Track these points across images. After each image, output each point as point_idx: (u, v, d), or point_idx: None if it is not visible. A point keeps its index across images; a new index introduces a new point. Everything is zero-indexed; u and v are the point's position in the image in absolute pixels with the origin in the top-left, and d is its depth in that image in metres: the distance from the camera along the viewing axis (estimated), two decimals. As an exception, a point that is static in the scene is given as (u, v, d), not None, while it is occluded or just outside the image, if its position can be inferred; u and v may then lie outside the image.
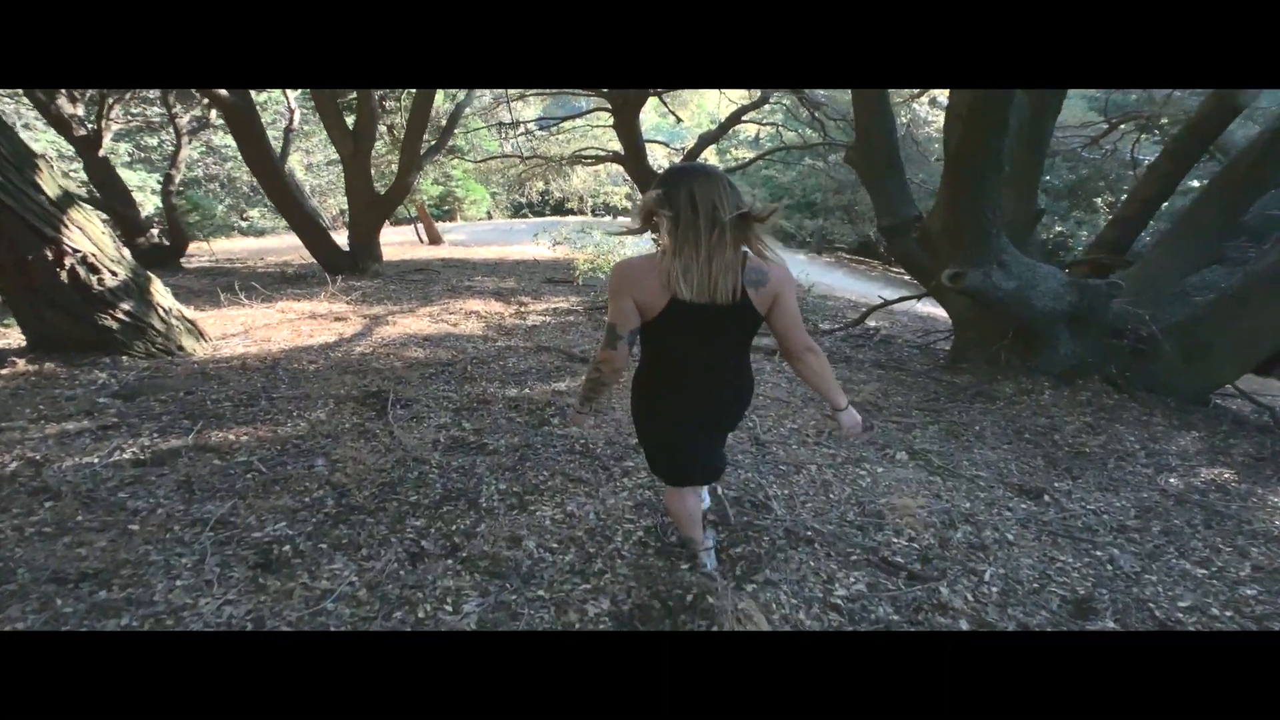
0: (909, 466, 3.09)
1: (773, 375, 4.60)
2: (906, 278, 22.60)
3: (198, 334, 4.25)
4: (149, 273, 3.97)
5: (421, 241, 14.96)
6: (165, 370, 3.57)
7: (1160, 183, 5.28)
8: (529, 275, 8.96)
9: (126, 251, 3.84)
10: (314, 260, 7.88)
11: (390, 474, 2.51)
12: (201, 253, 10.80)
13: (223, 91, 6.18)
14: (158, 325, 3.80)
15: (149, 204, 14.35)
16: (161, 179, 8.58)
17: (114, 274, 3.57)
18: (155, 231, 8.32)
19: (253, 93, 11.29)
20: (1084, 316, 4.35)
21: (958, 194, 3.55)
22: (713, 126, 13.55)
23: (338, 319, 5.28)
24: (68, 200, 3.55)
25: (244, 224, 18.08)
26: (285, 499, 2.25)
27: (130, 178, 15.87)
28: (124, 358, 3.61)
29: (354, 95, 7.50)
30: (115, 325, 3.57)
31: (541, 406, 3.38)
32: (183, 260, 8.83)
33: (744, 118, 12.50)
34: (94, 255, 3.51)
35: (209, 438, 2.72)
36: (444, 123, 8.90)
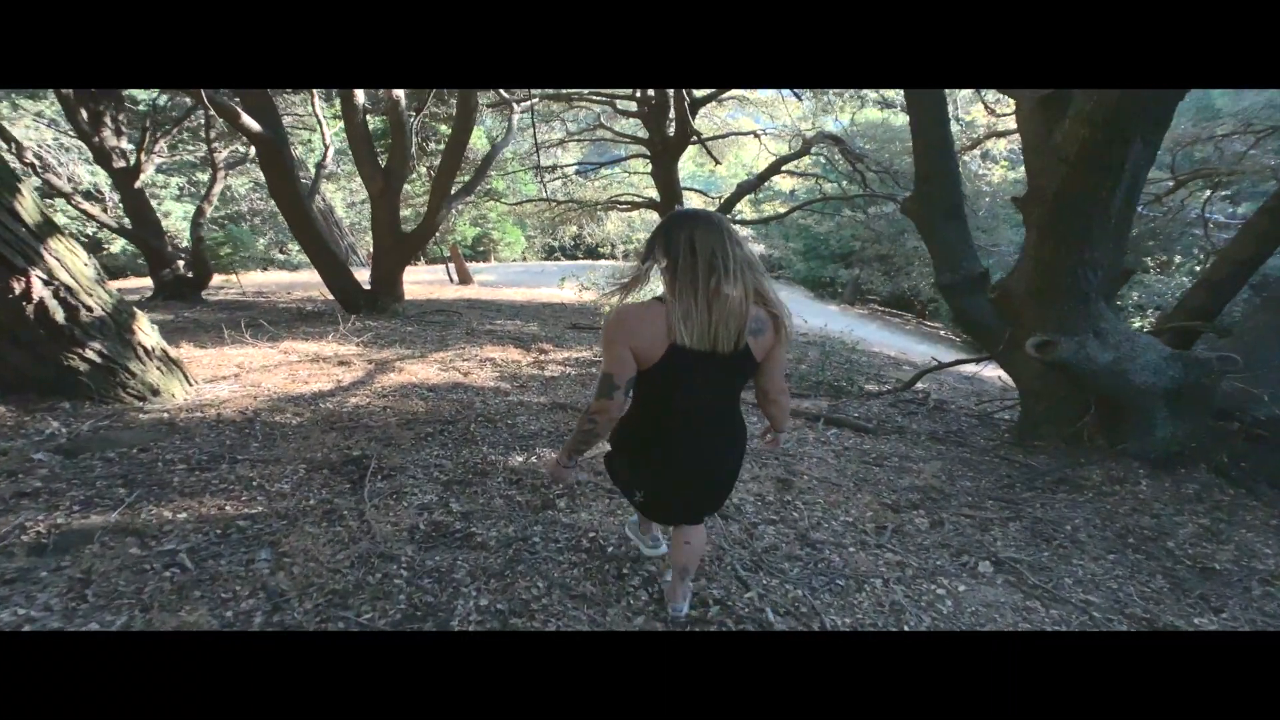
0: (997, 583, 2.46)
1: (817, 447, 4.01)
2: (944, 332, 21.85)
3: (182, 377, 3.87)
4: (135, 308, 3.63)
5: (452, 281, 14.84)
6: (129, 420, 3.16)
7: (1258, 243, 4.64)
8: (554, 320, 8.57)
9: (112, 285, 3.50)
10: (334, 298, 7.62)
11: (346, 576, 1.99)
12: (230, 285, 10.75)
13: (254, 125, 6.02)
14: (134, 367, 3.42)
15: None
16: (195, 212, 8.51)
17: (89, 309, 3.21)
18: (180, 264, 8.19)
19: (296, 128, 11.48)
20: (1186, 394, 3.70)
21: (1053, 250, 2.99)
22: (748, 176, 13.28)
23: (341, 363, 4.89)
24: (49, 229, 3.22)
25: (281, 258, 18.36)
26: (202, 611, 1.74)
27: (178, 209, 16.35)
28: (87, 403, 3.22)
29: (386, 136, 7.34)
30: (83, 366, 3.19)
31: (548, 483, 2.85)
32: (206, 293, 8.69)
33: (783, 168, 12.21)
34: (68, 288, 3.16)
35: (139, 514, 2.25)
36: (479, 163, 8.70)
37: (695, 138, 11.23)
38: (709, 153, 10.94)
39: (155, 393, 3.51)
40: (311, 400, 3.85)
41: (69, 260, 3.25)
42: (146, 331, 3.60)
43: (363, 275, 7.96)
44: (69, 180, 10.18)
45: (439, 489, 2.74)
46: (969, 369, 8.66)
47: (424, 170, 12.72)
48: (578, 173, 14.07)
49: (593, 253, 19.96)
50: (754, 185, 12.15)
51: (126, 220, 8.16)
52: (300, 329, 6.45)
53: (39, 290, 3.05)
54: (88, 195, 10.42)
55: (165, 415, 3.29)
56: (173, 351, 3.89)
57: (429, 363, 5.19)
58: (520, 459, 3.17)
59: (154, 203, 15.88)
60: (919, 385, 6.49)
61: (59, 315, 3.10)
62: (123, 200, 7.75)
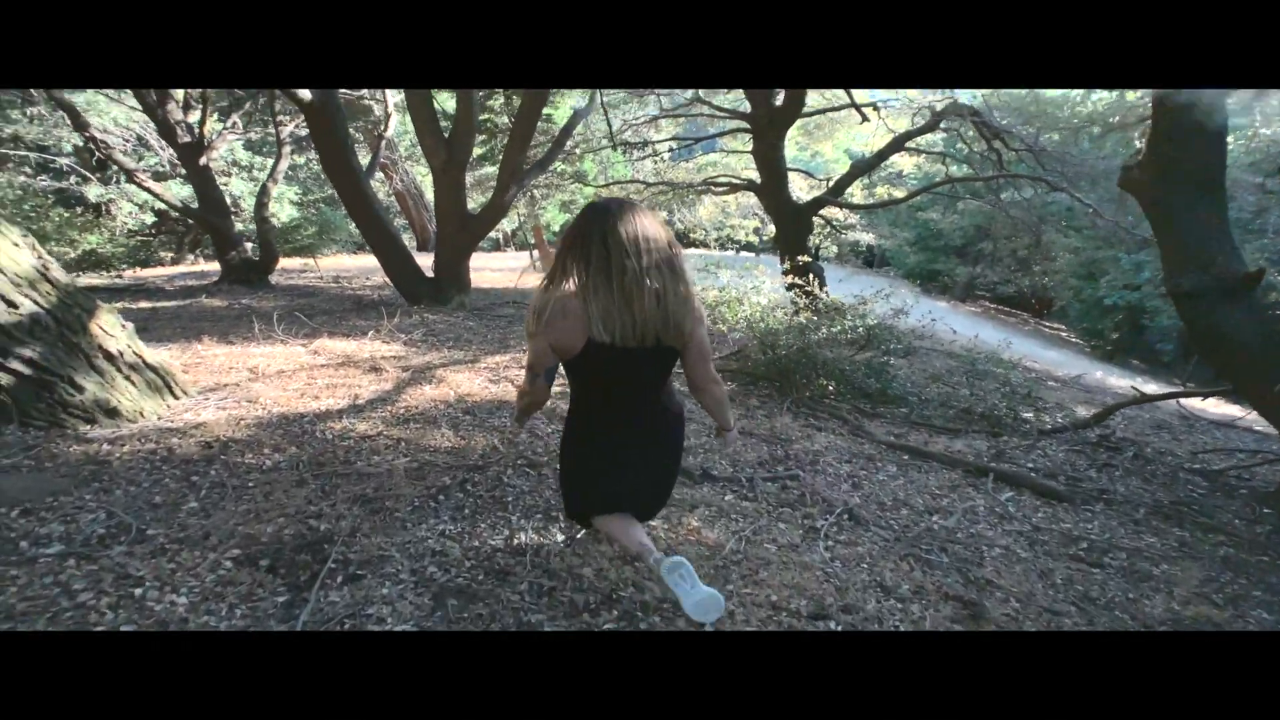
0: None
1: (996, 526, 2.72)
2: (1067, 335, 18.95)
3: (166, 387, 3.10)
4: (99, 302, 2.87)
5: (534, 268, 14.14)
6: (50, 453, 2.35)
7: None
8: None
9: (61, 275, 2.73)
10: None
11: None
12: (308, 270, 10.45)
13: (304, 92, 5.29)
14: (82, 380, 2.63)
15: (283, 217, 14.76)
16: (256, 192, 8.07)
17: (12, 306, 2.43)
18: (249, 246, 7.77)
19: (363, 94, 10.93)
20: None
21: None
22: (863, 155, 11.59)
23: (372, 369, 4.02)
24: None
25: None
26: None
27: (272, 189, 16.63)
28: (6, 429, 2.45)
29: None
30: (1, 380, 2.42)
31: (607, 592, 1.76)
32: (276, 277, 8.28)
33: (904, 146, 10.49)
34: (-9, 277, 2.39)
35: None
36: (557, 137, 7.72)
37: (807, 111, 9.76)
38: (858, 110, 9.46)
39: (111, 412, 2.71)
40: (310, 425, 2.96)
41: None
42: (111, 333, 2.82)
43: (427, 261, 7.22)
44: (131, 154, 10.04)
45: (426, 604, 1.71)
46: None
47: (497, 150, 12.08)
48: (671, 153, 12.86)
49: (681, 239, 18.77)
50: (871, 165, 10.51)
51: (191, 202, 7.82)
52: (348, 322, 5.72)
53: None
54: (158, 177, 10.36)
55: (104, 449, 2.47)
56: (154, 356, 3.11)
57: (477, 371, 4.24)
58: (564, 538, 2.11)
59: (249, 185, 16.31)
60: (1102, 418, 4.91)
61: (-30, 313, 2.34)
62: (189, 177, 7.38)
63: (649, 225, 1.36)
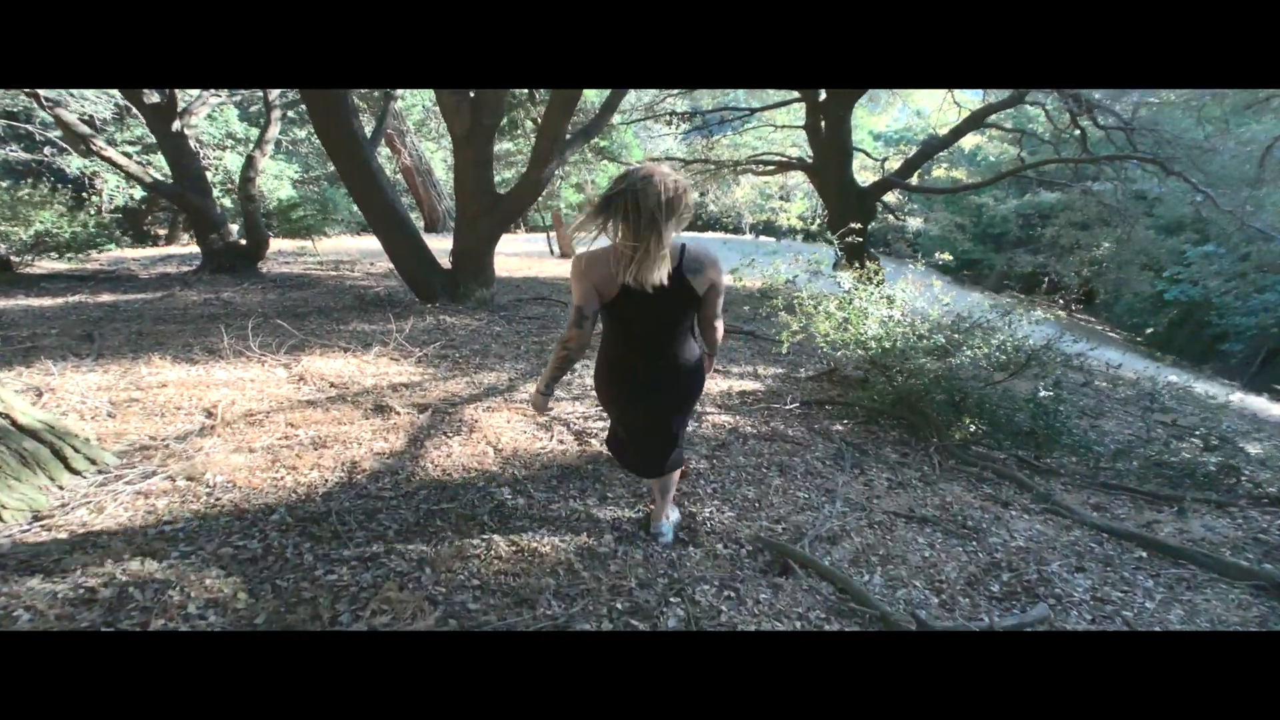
0: None
1: None
2: (1104, 329, 17.48)
3: (54, 461, 1.98)
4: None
5: (552, 254, 12.92)
6: None
7: None
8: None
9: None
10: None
11: None
12: (307, 253, 9.28)
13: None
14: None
15: (281, 196, 13.54)
16: (241, 171, 6.87)
17: None
18: (234, 228, 6.61)
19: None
20: None
21: None
22: (931, 135, 10.29)
23: (377, 408, 2.88)
24: None
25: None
26: None
27: (270, 167, 15.36)
28: None
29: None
30: None
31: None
32: (267, 263, 7.14)
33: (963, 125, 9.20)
34: None
35: None
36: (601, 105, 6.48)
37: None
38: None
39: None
40: (278, 538, 1.83)
41: None
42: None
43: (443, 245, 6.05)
44: (114, 121, 8.79)
45: None
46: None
47: (530, 124, 10.78)
48: (699, 130, 11.53)
49: (715, 224, 17.40)
50: (946, 143, 9.26)
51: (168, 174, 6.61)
52: (347, 326, 4.58)
53: None
54: (149, 149, 9.15)
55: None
56: (36, 414, 1.99)
57: (517, 406, 3.10)
58: None
59: (238, 158, 15.04)
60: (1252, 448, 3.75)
61: None
62: (160, 145, 6.20)
63: (669, 186, 1.45)
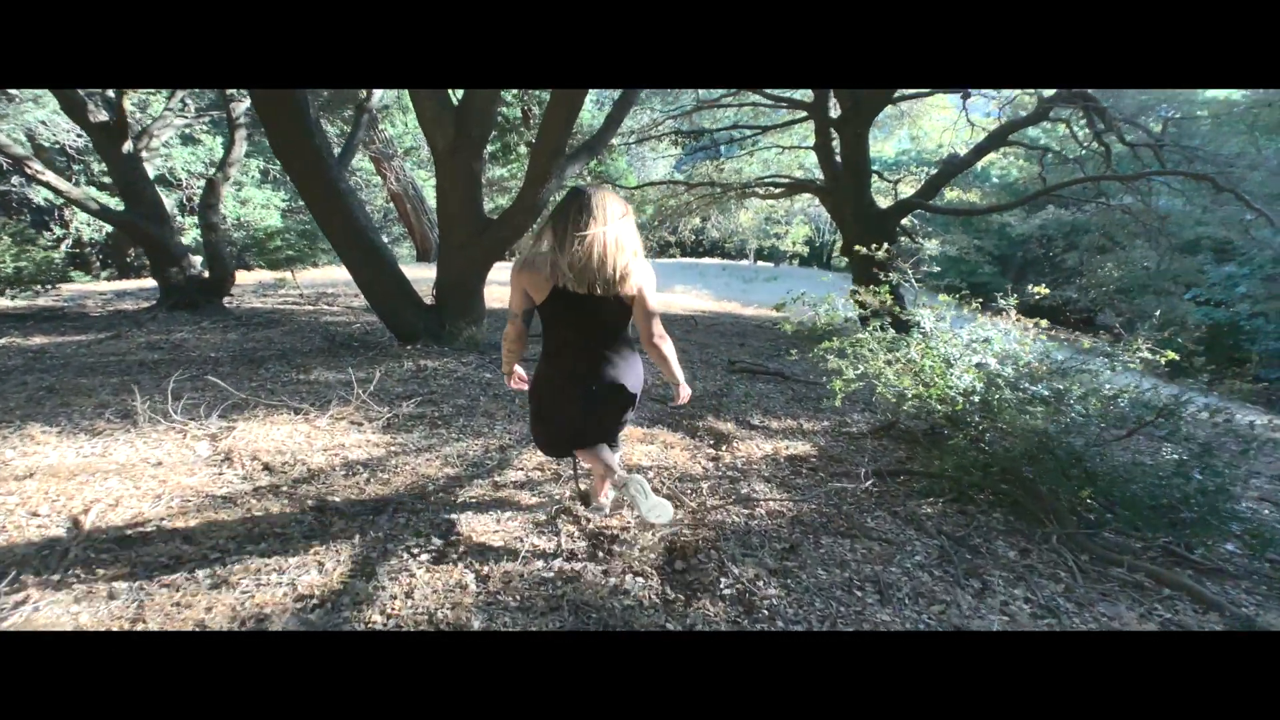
0: None
1: None
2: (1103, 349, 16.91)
3: None
4: None
5: (550, 282, 12.21)
6: None
7: None
8: (705, 352, 5.57)
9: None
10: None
11: None
12: (286, 285, 8.54)
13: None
14: None
15: (270, 223, 12.87)
16: (199, 203, 6.15)
17: None
18: (197, 260, 5.88)
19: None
20: None
21: None
22: (952, 153, 9.68)
23: (318, 508, 2.10)
24: None
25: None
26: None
27: (257, 195, 14.74)
28: None
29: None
30: None
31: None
32: (233, 299, 6.39)
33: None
34: None
35: None
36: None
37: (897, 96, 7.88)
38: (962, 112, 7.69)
39: None
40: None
41: None
42: None
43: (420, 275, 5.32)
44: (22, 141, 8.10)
45: None
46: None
47: (524, 148, 10.17)
48: (710, 149, 10.93)
49: (715, 249, 16.78)
50: (967, 163, 8.62)
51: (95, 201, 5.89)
52: (307, 375, 3.82)
53: None
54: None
55: None
56: None
57: (519, 504, 2.33)
58: None
59: (232, 188, 14.39)
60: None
61: None
62: (110, 170, 5.49)
63: (611, 203, 1.62)
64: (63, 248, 8.71)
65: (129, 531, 1.90)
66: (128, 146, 5.36)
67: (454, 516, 2.14)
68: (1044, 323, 3.07)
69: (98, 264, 13.25)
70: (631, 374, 1.87)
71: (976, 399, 2.88)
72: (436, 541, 1.97)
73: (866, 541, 2.32)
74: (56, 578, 1.65)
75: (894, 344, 3.19)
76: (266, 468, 2.42)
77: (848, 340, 3.31)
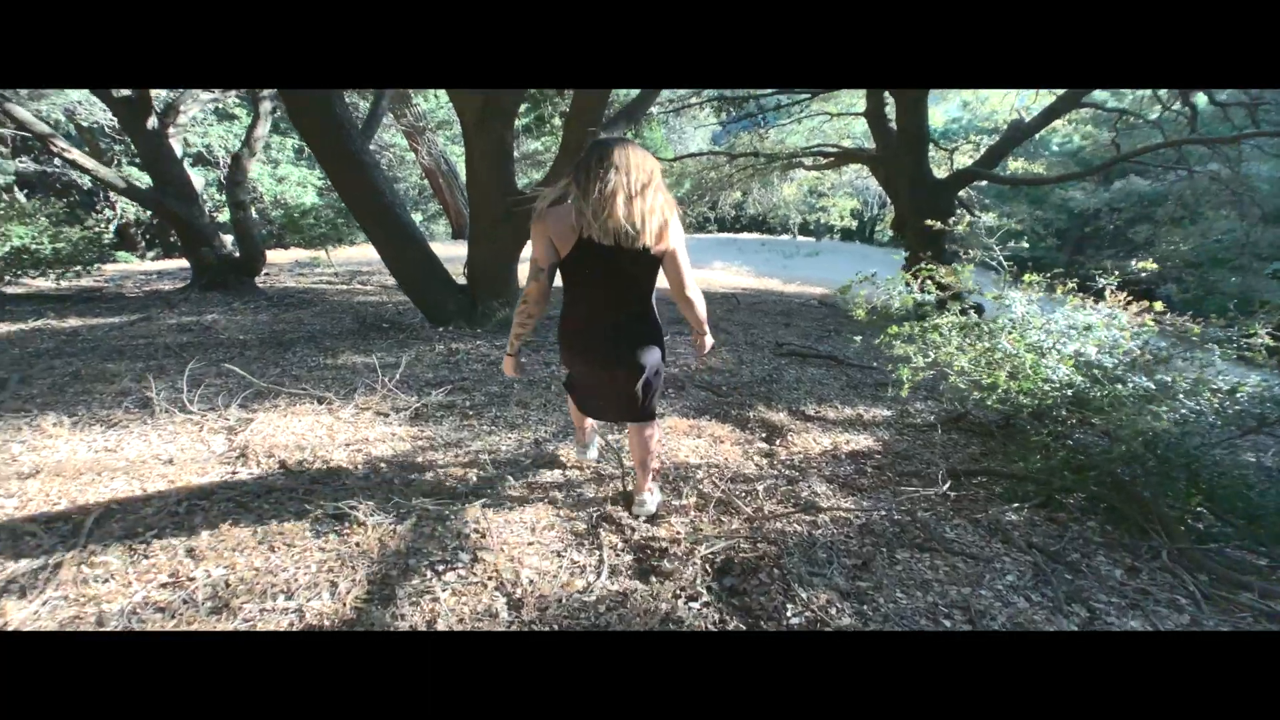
0: None
1: None
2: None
3: None
4: None
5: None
6: None
7: None
8: (750, 332, 5.24)
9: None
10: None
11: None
12: (319, 263, 8.46)
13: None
14: None
15: (305, 201, 12.85)
16: (227, 173, 6.02)
17: None
18: (228, 240, 5.79)
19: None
20: None
21: None
22: (1018, 117, 8.98)
23: (335, 516, 1.90)
24: None
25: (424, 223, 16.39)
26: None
27: (294, 173, 14.75)
28: None
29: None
30: None
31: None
32: (268, 276, 6.30)
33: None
34: None
35: None
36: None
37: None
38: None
39: None
40: None
41: None
42: None
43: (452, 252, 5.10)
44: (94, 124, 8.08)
45: None
46: None
47: (559, 119, 9.81)
48: (755, 116, 10.39)
49: (756, 224, 16.21)
50: (1035, 128, 7.98)
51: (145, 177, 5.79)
52: (334, 360, 3.64)
53: None
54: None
55: None
56: None
57: (547, 488, 2.09)
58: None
59: (268, 167, 14.41)
60: None
61: None
62: (137, 145, 5.39)
63: (635, 154, 1.56)
64: (110, 228, 8.77)
65: (133, 539, 1.72)
66: (152, 122, 5.25)
67: (484, 525, 1.91)
68: (1159, 305, 2.66)
69: (143, 244, 13.47)
70: (651, 338, 1.84)
71: (1070, 392, 2.52)
72: (464, 557, 1.74)
73: (948, 557, 2.02)
74: (44, 597, 1.48)
75: (972, 329, 2.83)
76: (283, 466, 2.23)
77: (921, 326, 2.96)
